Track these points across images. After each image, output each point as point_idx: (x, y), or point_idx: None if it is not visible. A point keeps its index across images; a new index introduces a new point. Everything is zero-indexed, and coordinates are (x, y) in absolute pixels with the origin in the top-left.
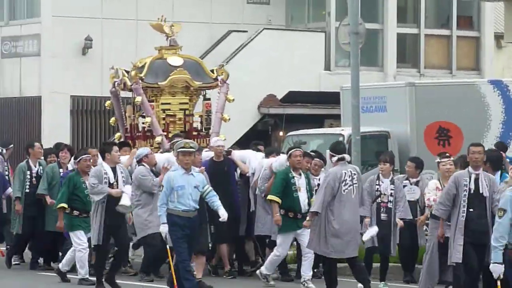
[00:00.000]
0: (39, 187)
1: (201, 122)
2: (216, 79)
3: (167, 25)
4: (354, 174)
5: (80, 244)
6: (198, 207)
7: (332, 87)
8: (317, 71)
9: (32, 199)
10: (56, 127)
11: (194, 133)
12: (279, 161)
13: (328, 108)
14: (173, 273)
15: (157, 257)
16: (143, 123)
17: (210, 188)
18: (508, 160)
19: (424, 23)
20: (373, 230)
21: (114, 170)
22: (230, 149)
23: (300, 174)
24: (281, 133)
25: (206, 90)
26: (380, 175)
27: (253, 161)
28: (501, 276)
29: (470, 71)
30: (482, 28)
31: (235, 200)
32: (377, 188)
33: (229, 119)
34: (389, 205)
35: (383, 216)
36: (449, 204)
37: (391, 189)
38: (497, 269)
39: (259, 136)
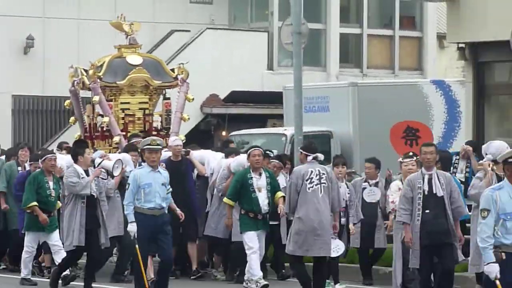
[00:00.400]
0: None
1: (161, 122)
2: (176, 78)
3: (127, 23)
4: (323, 173)
5: (29, 247)
6: (165, 205)
7: (275, 87)
8: (259, 71)
9: None
10: None
11: (154, 132)
12: (237, 161)
13: (271, 108)
14: (143, 273)
15: (105, 260)
16: (101, 122)
17: (170, 190)
18: (476, 159)
19: (367, 23)
20: (342, 248)
21: (86, 172)
22: (188, 149)
23: (260, 174)
24: (223, 133)
25: (166, 89)
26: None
27: (212, 162)
28: (498, 276)
29: (412, 71)
30: (425, 28)
31: (193, 200)
32: None
33: (189, 118)
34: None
35: (342, 220)
36: (409, 207)
37: (348, 193)
38: (492, 269)
39: (202, 136)
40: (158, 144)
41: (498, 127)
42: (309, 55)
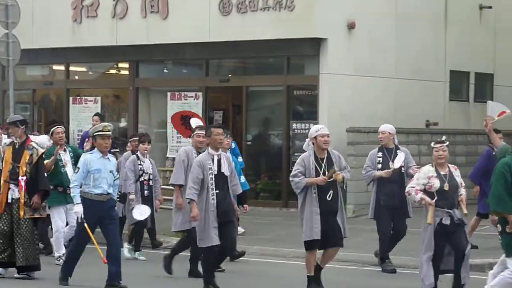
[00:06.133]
0: None
1: None
2: None
3: None
4: None
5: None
6: (111, 192)
7: None
8: None
9: None
10: None
11: None
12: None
13: None
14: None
15: None
16: None
17: (118, 176)
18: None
19: None
20: (147, 211)
21: None
22: None
23: (64, 150)
24: None
25: None
26: (140, 155)
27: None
28: None
29: None
30: None
31: None
32: (140, 168)
33: None
34: (150, 182)
35: (146, 192)
36: (198, 188)
37: (152, 168)
38: None
39: None
40: (109, 130)
41: None
42: None
